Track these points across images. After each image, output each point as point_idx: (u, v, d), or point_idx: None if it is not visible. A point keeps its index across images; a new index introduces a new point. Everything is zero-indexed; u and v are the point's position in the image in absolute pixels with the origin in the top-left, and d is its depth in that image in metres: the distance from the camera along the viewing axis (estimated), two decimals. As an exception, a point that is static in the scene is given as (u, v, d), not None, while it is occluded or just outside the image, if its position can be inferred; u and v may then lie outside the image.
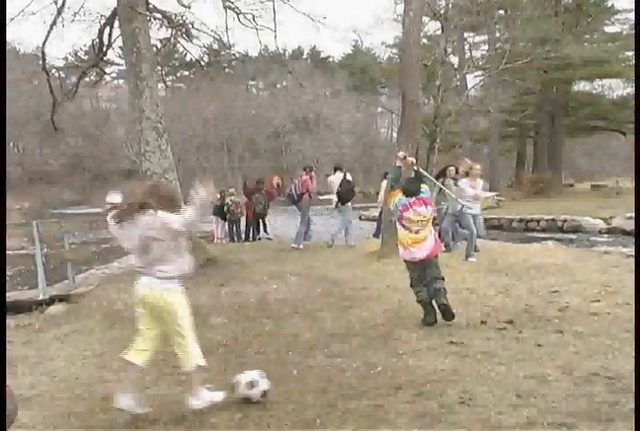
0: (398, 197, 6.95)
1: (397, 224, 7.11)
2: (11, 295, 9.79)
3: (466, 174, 11.24)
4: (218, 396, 4.75)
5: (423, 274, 6.98)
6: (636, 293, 5.49)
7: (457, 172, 12.25)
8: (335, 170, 14.20)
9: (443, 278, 6.98)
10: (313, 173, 14.55)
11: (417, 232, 6.86)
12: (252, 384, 4.76)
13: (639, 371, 3.91)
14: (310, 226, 14.92)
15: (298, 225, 14.37)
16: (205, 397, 4.67)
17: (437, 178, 11.90)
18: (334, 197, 13.83)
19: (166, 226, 4.42)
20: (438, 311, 6.82)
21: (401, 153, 7.74)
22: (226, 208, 18.13)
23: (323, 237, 14.83)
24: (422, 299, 6.95)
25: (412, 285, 7.12)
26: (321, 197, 17.70)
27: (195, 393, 4.66)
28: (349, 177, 13.84)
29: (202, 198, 4.34)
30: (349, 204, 13.85)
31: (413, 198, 6.87)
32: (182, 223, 4.41)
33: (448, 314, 6.75)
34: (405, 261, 7.12)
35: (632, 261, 9.71)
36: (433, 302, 6.88)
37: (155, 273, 4.63)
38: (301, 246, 13.85)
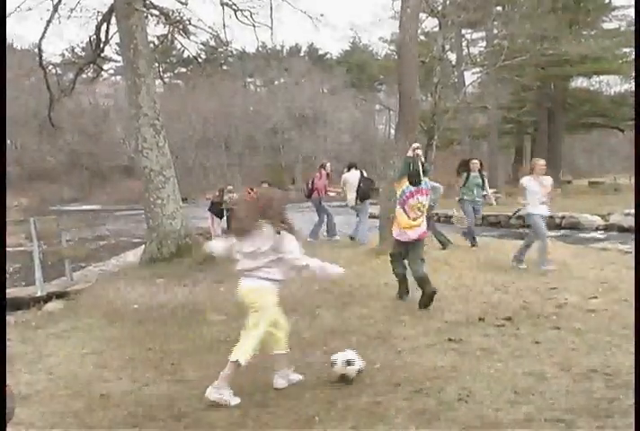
0: (406, 185, 7.65)
1: (399, 208, 7.78)
2: (9, 292, 9.79)
3: (531, 171, 10.08)
4: (236, 400, 4.78)
5: (405, 252, 7.86)
6: (636, 290, 5.50)
7: (481, 166, 12.50)
8: (350, 167, 14.13)
9: (423, 260, 7.93)
10: (323, 170, 14.54)
11: (415, 219, 7.67)
12: (348, 363, 5.02)
13: (639, 368, 3.91)
14: (330, 221, 14.72)
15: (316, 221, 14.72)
16: (224, 397, 4.75)
17: (459, 172, 12.39)
18: (350, 195, 13.80)
19: (282, 250, 4.85)
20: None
21: (416, 145, 8.04)
22: (224, 205, 18.16)
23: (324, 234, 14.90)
24: (398, 273, 8.04)
25: (391, 259, 8.14)
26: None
27: (219, 385, 4.77)
28: (365, 174, 13.83)
29: (322, 270, 5.02)
30: (367, 201, 13.82)
31: (417, 188, 7.64)
32: (295, 260, 4.91)
33: (431, 298, 7.49)
34: (396, 240, 7.96)
35: (630, 258, 9.72)
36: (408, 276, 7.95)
37: (257, 276, 4.94)
38: (322, 239, 14.17)
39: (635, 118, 6.68)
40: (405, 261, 7.96)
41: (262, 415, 4.51)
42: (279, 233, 4.82)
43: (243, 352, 4.83)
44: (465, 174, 12.18)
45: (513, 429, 3.99)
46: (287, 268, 4.96)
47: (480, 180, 12.21)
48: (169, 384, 5.29)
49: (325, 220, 14.62)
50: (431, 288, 7.48)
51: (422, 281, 7.58)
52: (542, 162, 10.13)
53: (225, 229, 18.73)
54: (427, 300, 7.48)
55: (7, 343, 6.85)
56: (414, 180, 7.62)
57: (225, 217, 18.34)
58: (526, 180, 9.97)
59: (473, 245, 11.95)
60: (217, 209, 18.52)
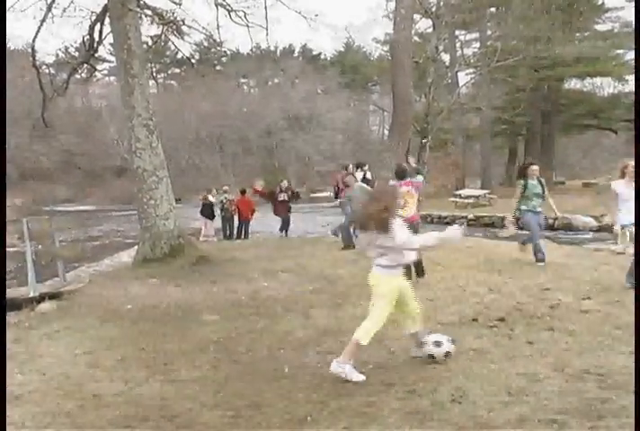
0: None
1: None
2: (1, 293, 9.76)
3: (622, 175, 8.84)
4: (357, 377, 5.09)
5: None
6: (636, 291, 5.51)
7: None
8: (357, 166, 14.13)
9: None
10: (346, 171, 14.57)
11: (402, 207, 8.32)
12: (437, 344, 5.34)
13: (639, 368, 3.92)
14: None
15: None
16: (345, 370, 5.09)
17: (518, 179, 10.83)
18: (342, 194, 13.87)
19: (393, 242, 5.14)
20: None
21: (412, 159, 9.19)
22: (220, 206, 18.25)
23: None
24: None
25: None
26: (313, 195, 17.75)
27: (341, 361, 5.11)
28: (368, 175, 13.82)
29: (442, 241, 5.21)
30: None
31: (402, 181, 9.10)
32: (402, 241, 5.15)
33: (421, 275, 9.21)
34: None
35: (622, 259, 9.72)
36: None
37: (377, 264, 5.37)
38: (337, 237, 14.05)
39: (635, 118, 6.69)
40: None
41: (255, 415, 4.50)
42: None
43: (364, 333, 5.20)
44: (522, 182, 10.46)
45: (506, 430, 3.99)
46: (401, 254, 5.27)
47: (540, 189, 10.46)
48: (162, 384, 5.28)
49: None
50: (421, 267, 9.18)
51: (421, 270, 9.23)
52: (632, 163, 8.73)
53: (216, 229, 18.83)
54: (420, 273, 9.18)
55: (-1, 343, 6.85)
56: (398, 175, 9.26)
57: (222, 218, 18.43)
58: (618, 186, 8.75)
59: (538, 260, 10.22)
60: (207, 211, 18.67)
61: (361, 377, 5.08)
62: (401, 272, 5.37)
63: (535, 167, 10.63)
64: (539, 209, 10.56)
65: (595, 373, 4.89)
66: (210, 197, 18.84)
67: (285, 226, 17.75)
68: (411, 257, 5.42)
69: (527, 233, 10.79)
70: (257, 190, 17.56)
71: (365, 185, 12.15)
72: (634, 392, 3.70)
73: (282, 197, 17.30)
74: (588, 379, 4.80)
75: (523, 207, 10.46)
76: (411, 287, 5.45)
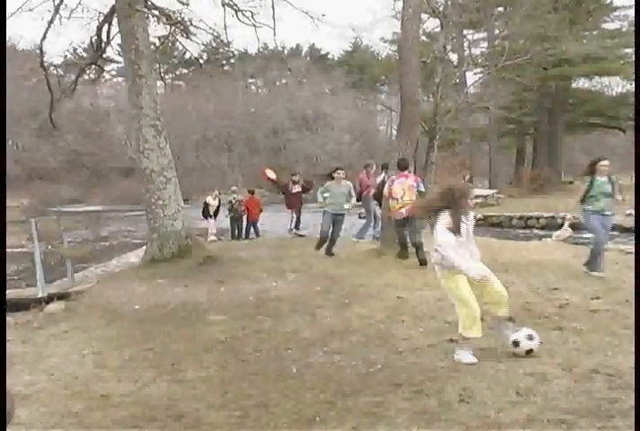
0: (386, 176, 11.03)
1: (390, 200, 10.51)
2: (10, 293, 9.77)
3: (590, 171, 8.90)
4: (471, 359, 5.39)
5: (405, 222, 10.36)
6: (636, 290, 5.48)
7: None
8: (382, 167, 14.02)
9: (420, 231, 10.29)
10: (369, 170, 14.50)
11: (401, 197, 10.20)
12: (530, 337, 5.45)
13: (639, 369, 3.89)
14: (377, 222, 14.24)
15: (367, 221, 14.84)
16: (464, 357, 5.40)
17: (585, 175, 9.75)
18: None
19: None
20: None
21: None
22: (229, 206, 18.24)
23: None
24: (402, 242, 10.69)
25: (396, 228, 10.80)
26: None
27: (459, 351, 5.46)
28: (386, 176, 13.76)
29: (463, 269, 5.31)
30: (372, 202, 13.77)
31: (401, 174, 10.37)
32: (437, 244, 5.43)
33: (424, 263, 9.84)
34: (395, 220, 10.55)
35: (631, 258, 9.69)
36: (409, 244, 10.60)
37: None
38: (363, 239, 14.27)
39: (635, 118, 6.64)
40: (406, 232, 10.58)
41: (263, 415, 4.50)
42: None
43: (462, 327, 5.43)
44: (590, 179, 9.35)
45: (515, 430, 3.98)
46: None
47: (610, 188, 9.22)
48: (169, 384, 5.28)
49: (372, 222, 14.54)
50: (422, 254, 9.96)
51: (417, 247, 10.26)
52: (606, 162, 8.71)
53: (217, 230, 18.85)
54: (422, 261, 9.99)
55: (8, 344, 6.86)
56: (400, 166, 10.49)
57: (230, 218, 18.38)
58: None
59: (592, 269, 9.17)
60: (206, 212, 18.72)
61: (472, 359, 5.37)
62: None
63: (605, 162, 9.39)
64: (609, 211, 9.29)
65: (604, 373, 4.87)
66: (209, 199, 18.86)
67: (297, 223, 16.98)
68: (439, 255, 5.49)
69: (590, 236, 9.97)
70: (269, 178, 16.89)
71: None
72: (634, 392, 3.68)
73: (296, 188, 16.74)
74: (597, 379, 4.78)
75: (588, 208, 9.27)
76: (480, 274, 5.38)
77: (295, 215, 16.94)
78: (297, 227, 17.00)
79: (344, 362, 5.57)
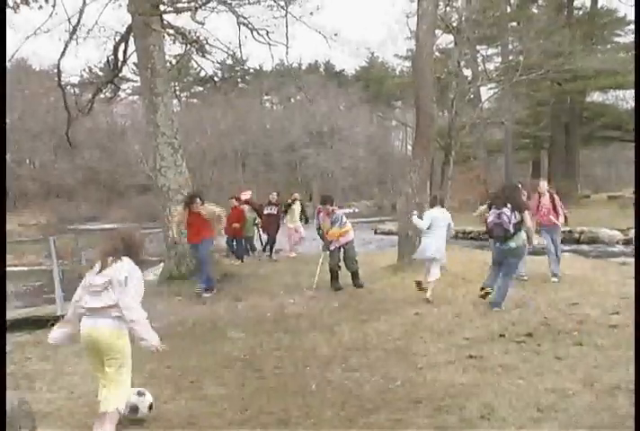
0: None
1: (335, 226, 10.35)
2: (29, 311, 9.85)
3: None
4: None
5: (339, 254, 10.49)
6: (637, 298, 5.43)
7: None
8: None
9: (357, 261, 10.55)
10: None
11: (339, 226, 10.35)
12: (140, 393, 4.88)
13: (639, 370, 3.86)
14: None
15: None
16: None
17: None
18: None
19: None
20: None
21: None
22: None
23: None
24: (332, 267, 10.42)
25: (329, 258, 10.48)
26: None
27: None
28: None
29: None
30: None
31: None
32: None
33: (359, 287, 10.30)
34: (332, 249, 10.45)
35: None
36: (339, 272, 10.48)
37: None
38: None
39: (635, 125, 6.60)
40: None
41: (283, 433, 4.49)
42: None
43: None
44: None
45: (536, 447, 3.95)
46: None
47: None
48: (188, 402, 5.28)
49: None
50: (358, 282, 10.42)
51: (353, 274, 10.50)
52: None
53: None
54: (357, 285, 10.38)
55: (27, 362, 6.90)
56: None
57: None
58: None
59: None
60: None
61: None
62: None
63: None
64: None
65: (626, 389, 4.82)
66: None
67: (270, 243, 15.79)
68: None
69: None
70: (242, 200, 15.96)
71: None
72: (634, 392, 3.64)
73: (269, 209, 15.60)
74: (618, 395, 4.74)
75: None
76: None
77: (269, 237, 15.90)
78: (269, 249, 15.84)
79: (363, 378, 5.56)
